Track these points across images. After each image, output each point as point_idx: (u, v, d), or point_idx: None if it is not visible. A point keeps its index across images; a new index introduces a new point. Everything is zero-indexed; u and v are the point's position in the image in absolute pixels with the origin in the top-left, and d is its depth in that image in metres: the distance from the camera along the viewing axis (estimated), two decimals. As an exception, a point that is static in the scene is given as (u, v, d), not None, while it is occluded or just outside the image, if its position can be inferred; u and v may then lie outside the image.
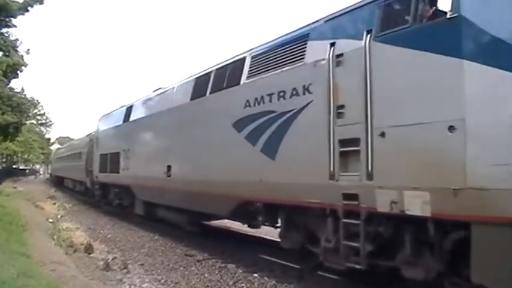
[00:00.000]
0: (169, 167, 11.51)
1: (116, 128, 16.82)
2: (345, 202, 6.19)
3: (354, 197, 6.06)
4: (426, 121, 5.16)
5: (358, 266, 6.15)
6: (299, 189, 7.01)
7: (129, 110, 15.55)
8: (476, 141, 4.69)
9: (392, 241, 5.93)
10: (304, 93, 6.97)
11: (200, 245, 11.07)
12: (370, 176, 5.84)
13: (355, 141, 6.07)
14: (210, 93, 9.94)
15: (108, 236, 13.22)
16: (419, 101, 5.27)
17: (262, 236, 11.84)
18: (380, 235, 5.95)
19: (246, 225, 11.00)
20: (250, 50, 8.87)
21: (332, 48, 6.54)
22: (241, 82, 8.74)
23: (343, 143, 6.27)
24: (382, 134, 5.67)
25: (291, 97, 7.26)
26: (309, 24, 7.43)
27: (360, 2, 6.39)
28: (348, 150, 6.20)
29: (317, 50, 6.86)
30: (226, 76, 9.41)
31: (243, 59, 8.94)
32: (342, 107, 6.29)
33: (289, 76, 7.37)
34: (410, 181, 5.32)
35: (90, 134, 23.78)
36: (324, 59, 6.63)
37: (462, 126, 4.76)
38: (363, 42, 6.01)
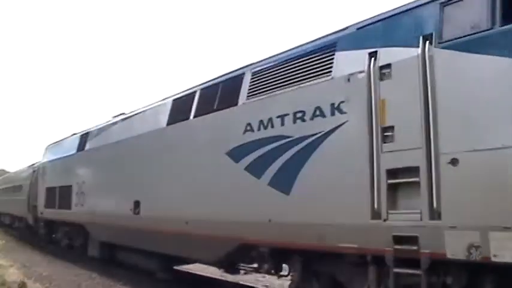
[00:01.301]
0: (137, 202, 9.82)
1: (67, 158, 14.69)
2: (396, 247, 4.94)
3: (410, 240, 4.83)
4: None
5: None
6: (326, 231, 5.67)
7: (85, 137, 13.64)
8: None
9: None
10: (333, 113, 5.76)
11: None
12: (435, 214, 4.65)
13: (411, 171, 4.90)
14: (195, 116, 8.52)
15: (44, 274, 12.22)
16: (509, 119, 4.22)
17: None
18: (448, 288, 4.73)
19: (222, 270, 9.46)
20: (250, 65, 7.61)
21: (372, 58, 5.43)
22: (240, 103, 7.42)
23: (393, 173, 5.07)
24: (454, 162, 4.54)
25: (313, 118, 6.02)
26: (334, 33, 6.31)
27: (412, 3, 5.36)
28: (401, 182, 5.02)
29: (350, 62, 5.72)
30: (218, 96, 8.06)
31: (241, 76, 7.65)
32: (391, 128, 5.13)
33: (309, 93, 6.16)
34: (499, 219, 4.18)
35: (33, 164, 21.13)
36: (362, 72, 5.50)
37: None
38: (420, 49, 4.94)
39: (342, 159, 5.59)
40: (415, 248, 4.77)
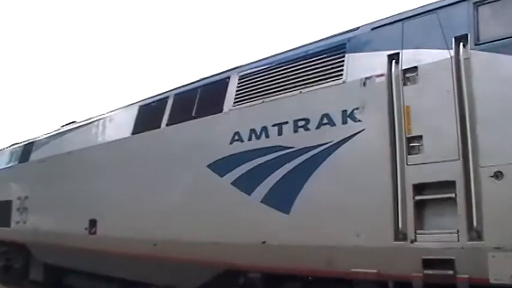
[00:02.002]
0: (93, 221, 8.67)
1: (7, 170, 13.11)
2: (427, 272, 4.36)
3: (445, 263, 4.27)
4: None
5: None
6: (336, 254, 5.01)
7: (29, 148, 12.14)
8: None
9: None
10: (345, 122, 5.16)
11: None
12: (476, 234, 4.13)
13: (444, 186, 4.37)
14: (168, 124, 7.63)
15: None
16: None
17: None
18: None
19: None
20: (237, 67, 6.89)
21: (393, 61, 4.91)
22: (225, 109, 6.66)
23: (422, 188, 4.52)
24: (497, 175, 4.06)
25: (319, 127, 5.39)
26: (341, 34, 5.76)
27: (438, 2, 4.90)
28: (432, 198, 4.47)
29: (365, 64, 5.17)
30: (196, 102, 7.25)
31: (225, 80, 6.90)
32: (418, 138, 4.60)
33: (315, 99, 5.54)
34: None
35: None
36: (380, 75, 4.96)
37: None
38: (453, 51, 4.47)
39: (357, 172, 4.97)
40: (450, 272, 4.21)
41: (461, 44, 4.45)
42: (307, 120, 5.52)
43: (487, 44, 4.32)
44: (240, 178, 6.11)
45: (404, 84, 4.77)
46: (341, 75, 5.36)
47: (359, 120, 5.04)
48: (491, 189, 4.06)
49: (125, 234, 7.87)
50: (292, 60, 6.05)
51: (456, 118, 4.33)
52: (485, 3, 4.50)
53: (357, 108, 5.08)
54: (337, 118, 5.23)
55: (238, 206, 6.08)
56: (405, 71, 4.79)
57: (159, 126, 7.77)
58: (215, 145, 6.57)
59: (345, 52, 5.46)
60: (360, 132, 5.02)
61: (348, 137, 5.10)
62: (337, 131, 5.20)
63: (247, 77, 6.56)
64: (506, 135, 4.06)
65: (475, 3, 4.56)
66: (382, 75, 4.93)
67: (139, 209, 7.69)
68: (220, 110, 6.70)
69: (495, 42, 4.28)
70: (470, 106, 4.28)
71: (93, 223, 8.64)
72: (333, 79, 5.43)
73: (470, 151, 4.21)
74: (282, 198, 5.60)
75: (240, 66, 6.82)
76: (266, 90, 6.16)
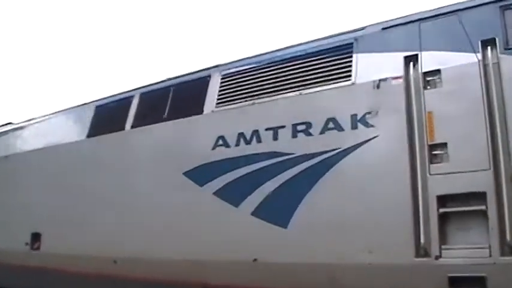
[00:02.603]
0: (36, 235, 7.56)
1: None
2: (453, 291, 4.01)
3: (474, 281, 3.93)
4: None
5: None
6: (342, 273, 4.54)
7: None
8: None
9: None
10: (355, 127, 4.74)
11: None
12: (509, 249, 3.83)
13: (473, 197, 4.06)
14: (134, 126, 6.85)
15: None
16: None
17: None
18: None
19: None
20: (220, 65, 6.27)
21: (411, 63, 4.58)
22: (206, 111, 6.03)
23: (447, 200, 4.18)
24: None
25: (323, 132, 4.93)
26: (347, 33, 5.38)
27: (463, 3, 4.65)
28: (458, 211, 4.14)
29: (377, 65, 4.81)
30: (169, 102, 6.54)
31: (206, 79, 6.27)
32: (442, 146, 4.27)
33: (318, 102, 5.08)
34: None
35: None
36: (397, 78, 4.61)
37: None
38: (480, 55, 4.23)
39: (370, 183, 4.54)
40: (480, 292, 3.88)
41: (489, 48, 4.22)
42: (308, 125, 5.04)
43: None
44: (224, 187, 5.47)
45: (425, 88, 4.46)
46: (349, 76, 4.96)
47: (372, 126, 4.65)
48: (527, 201, 3.80)
49: (77, 250, 6.88)
50: (289, 59, 5.59)
51: (486, 125, 4.06)
52: None
53: (369, 113, 4.68)
54: (346, 123, 4.80)
55: (223, 219, 5.43)
56: (426, 74, 4.48)
57: (122, 129, 6.94)
58: (193, 150, 5.90)
59: (352, 52, 5.08)
60: (373, 138, 4.62)
61: (359, 143, 4.68)
62: (346, 136, 4.77)
63: (232, 76, 5.99)
64: None
65: (501, 6, 4.36)
66: (399, 77, 4.59)
67: (95, 221, 6.74)
68: (200, 112, 6.05)
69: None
70: (500, 112, 4.03)
71: (36, 237, 7.51)
72: (339, 80, 5.02)
73: (502, 160, 3.94)
74: (278, 211, 5.04)
75: (223, 65, 6.23)
76: (257, 90, 5.63)
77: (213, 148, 5.70)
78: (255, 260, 5.09)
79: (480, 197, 4.00)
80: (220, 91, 5.97)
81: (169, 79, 6.83)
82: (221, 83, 6.02)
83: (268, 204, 5.11)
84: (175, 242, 5.78)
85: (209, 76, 6.23)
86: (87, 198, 6.98)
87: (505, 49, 4.19)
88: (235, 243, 5.28)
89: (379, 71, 4.76)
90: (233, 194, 5.38)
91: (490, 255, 3.88)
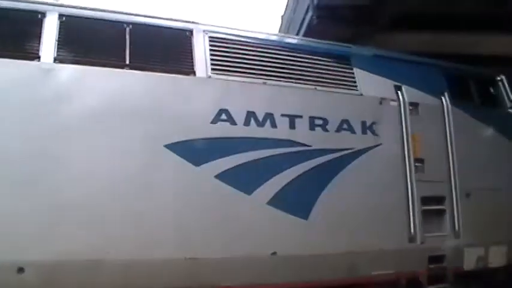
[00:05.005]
0: None
1: None
2: (430, 266, 5.49)
3: (440, 258, 5.57)
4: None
5: None
6: (359, 260, 5.12)
7: None
8: None
9: None
10: (365, 132, 5.43)
11: None
12: (456, 235, 5.71)
13: (440, 200, 5.73)
14: (61, 61, 4.35)
15: None
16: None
17: None
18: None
19: None
20: (200, 24, 5.10)
21: (399, 91, 5.77)
22: (199, 73, 4.86)
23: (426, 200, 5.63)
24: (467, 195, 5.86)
25: (339, 131, 5.31)
26: (342, 45, 5.88)
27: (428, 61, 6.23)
28: (432, 209, 5.64)
29: (376, 85, 5.70)
30: (128, 44, 4.69)
31: (185, 33, 5.01)
32: (421, 160, 5.69)
33: (333, 102, 5.41)
34: (496, 237, 5.91)
35: None
36: (394, 100, 5.69)
37: None
38: (444, 100, 5.99)
39: (379, 183, 5.37)
40: (444, 265, 5.57)
41: (446, 95, 6.05)
42: (325, 121, 5.25)
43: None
44: (232, 171, 4.68)
45: (410, 114, 5.77)
46: (356, 87, 5.57)
47: (377, 135, 5.49)
48: (465, 205, 5.84)
49: None
50: (300, 49, 5.52)
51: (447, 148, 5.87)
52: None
53: (375, 123, 5.50)
54: (357, 127, 5.40)
55: (231, 207, 4.64)
56: (409, 103, 5.82)
57: (35, 57, 4.22)
58: (182, 119, 4.60)
59: (351, 65, 5.68)
60: (378, 145, 5.47)
61: (368, 147, 5.40)
62: (358, 139, 5.37)
63: (227, 43, 5.12)
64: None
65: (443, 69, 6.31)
66: (394, 100, 5.70)
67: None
68: (190, 72, 4.77)
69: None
70: (450, 142, 5.92)
71: None
72: (348, 88, 5.54)
73: (454, 175, 5.84)
74: (297, 202, 4.92)
75: (207, 25, 5.13)
76: (269, 71, 5.15)
77: (214, 122, 4.71)
78: (274, 253, 4.71)
79: (442, 199, 5.75)
80: (212, 55, 4.93)
81: (113, 12, 4.77)
82: (211, 46, 4.98)
83: (286, 194, 4.88)
84: (153, 237, 4.28)
85: (189, 32, 4.97)
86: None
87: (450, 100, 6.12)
88: (249, 236, 4.64)
89: (379, 91, 5.65)
90: (243, 180, 4.74)
91: (449, 240, 5.66)
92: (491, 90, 6.66)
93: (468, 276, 5.81)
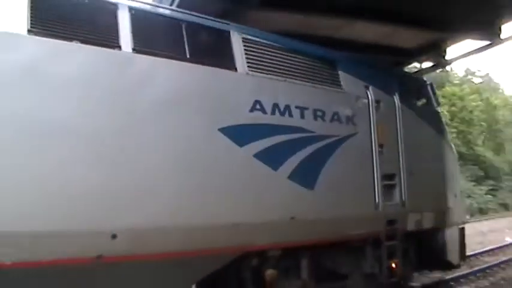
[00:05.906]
0: None
1: None
2: (387, 228, 7.14)
3: (394, 222, 7.24)
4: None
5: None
6: (345, 222, 6.56)
7: None
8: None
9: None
10: (347, 123, 6.79)
11: None
12: (403, 204, 7.44)
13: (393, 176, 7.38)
14: (138, 51, 4.93)
15: None
16: None
17: None
18: (406, 250, 7.53)
19: None
20: (236, 26, 5.99)
21: (367, 91, 7.23)
22: (239, 69, 5.82)
23: (384, 177, 7.22)
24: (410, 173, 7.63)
25: (332, 121, 6.61)
26: (328, 51, 7.06)
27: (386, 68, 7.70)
28: (389, 184, 7.26)
29: (352, 84, 7.07)
30: (185, 40, 5.45)
31: (225, 34, 5.90)
32: (382, 146, 7.26)
33: (327, 97, 6.69)
34: (428, 206, 7.86)
35: None
36: (365, 98, 7.13)
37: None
38: (396, 99, 7.61)
39: (357, 163, 6.86)
40: (396, 226, 7.27)
41: (397, 95, 7.68)
42: (323, 112, 6.51)
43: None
44: (264, 151, 5.75)
45: (375, 109, 7.28)
46: (340, 86, 6.90)
47: (355, 124, 6.92)
48: (409, 181, 7.58)
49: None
50: (306, 53, 6.65)
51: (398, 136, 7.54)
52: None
53: (354, 115, 6.91)
54: (343, 118, 6.76)
55: (265, 182, 5.72)
56: (375, 100, 7.32)
57: (115, 46, 4.80)
58: (230, 107, 5.54)
59: (336, 68, 6.98)
60: (356, 133, 6.89)
61: (350, 135, 6.80)
62: (343, 128, 6.74)
63: (257, 45, 6.13)
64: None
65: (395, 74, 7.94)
66: (365, 98, 7.16)
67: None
68: (233, 68, 5.68)
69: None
70: (401, 132, 7.61)
71: None
72: (335, 86, 6.85)
73: (401, 158, 7.54)
74: (307, 176, 6.15)
75: (242, 27, 6.01)
76: (286, 71, 6.24)
77: (251, 111, 5.71)
78: (293, 217, 5.91)
79: (394, 176, 7.42)
80: (247, 56, 5.88)
81: (171, 10, 5.41)
82: (244, 47, 5.91)
83: (300, 170, 6.07)
84: (210, 205, 5.18)
85: (228, 33, 5.82)
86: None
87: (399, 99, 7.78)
88: (275, 204, 5.77)
89: (355, 89, 7.06)
90: (272, 158, 5.81)
91: (398, 207, 7.37)
92: (424, 92, 8.58)
93: (409, 235, 7.66)
